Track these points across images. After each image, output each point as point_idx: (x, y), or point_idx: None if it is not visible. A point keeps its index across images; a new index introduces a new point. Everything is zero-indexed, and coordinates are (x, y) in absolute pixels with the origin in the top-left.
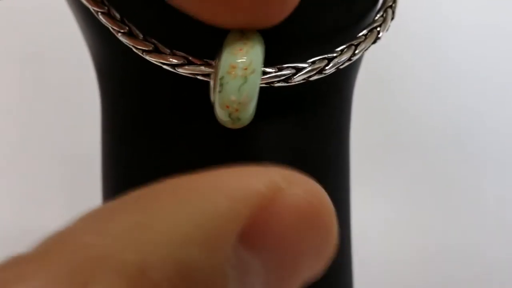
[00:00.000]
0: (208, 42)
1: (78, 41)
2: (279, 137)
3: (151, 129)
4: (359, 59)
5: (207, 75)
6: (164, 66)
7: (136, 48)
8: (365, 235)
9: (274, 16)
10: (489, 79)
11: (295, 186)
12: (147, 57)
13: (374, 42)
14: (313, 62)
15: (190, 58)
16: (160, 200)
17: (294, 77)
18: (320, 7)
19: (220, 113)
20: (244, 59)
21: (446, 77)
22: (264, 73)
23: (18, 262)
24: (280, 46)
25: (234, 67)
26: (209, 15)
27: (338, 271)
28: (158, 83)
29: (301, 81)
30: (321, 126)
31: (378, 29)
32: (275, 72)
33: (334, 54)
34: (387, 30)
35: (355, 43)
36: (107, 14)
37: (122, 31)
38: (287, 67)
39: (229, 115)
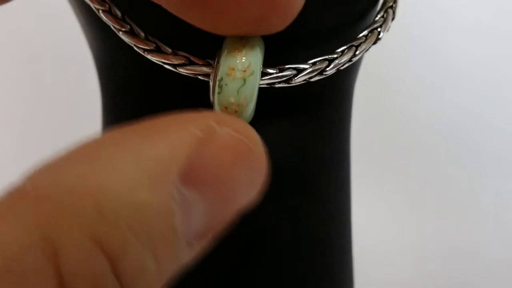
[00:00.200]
0: (209, 43)
1: (77, 39)
2: (280, 137)
3: None
4: (360, 59)
5: (208, 75)
6: (166, 66)
7: (138, 47)
8: (365, 234)
9: (275, 26)
10: (489, 79)
11: (226, 127)
12: (149, 57)
13: (375, 42)
14: (314, 63)
15: (191, 58)
16: (108, 149)
17: (295, 78)
18: (320, 8)
19: None
20: (243, 61)
21: (445, 77)
22: (265, 74)
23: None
24: (281, 47)
25: (233, 69)
26: (211, 26)
27: (340, 268)
28: (159, 81)
29: (302, 82)
30: (321, 125)
31: (379, 29)
32: (276, 73)
33: (335, 55)
34: (387, 30)
35: (356, 44)
36: (108, 12)
37: (123, 29)
38: (288, 68)
39: None
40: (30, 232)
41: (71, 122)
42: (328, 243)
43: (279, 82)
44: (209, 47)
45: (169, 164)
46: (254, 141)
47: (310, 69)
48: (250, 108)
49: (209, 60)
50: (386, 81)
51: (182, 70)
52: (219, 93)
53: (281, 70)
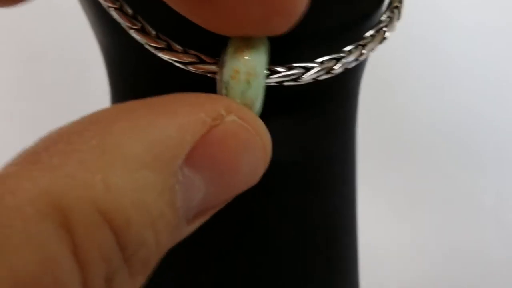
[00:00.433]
0: (219, 41)
1: (78, 39)
2: (286, 134)
3: None
4: (366, 58)
5: (216, 73)
6: (176, 64)
7: (149, 45)
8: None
9: (279, 27)
10: (491, 79)
11: (233, 114)
12: (159, 55)
13: (381, 42)
14: (322, 62)
15: (202, 56)
16: (117, 125)
17: (303, 76)
18: (327, 7)
19: None
20: (247, 64)
21: (447, 77)
22: (274, 72)
23: (2, 178)
24: (288, 46)
25: (237, 72)
26: (215, 26)
27: (345, 265)
28: (168, 78)
29: (310, 81)
30: (327, 122)
31: (385, 29)
32: (285, 71)
33: (342, 54)
34: (393, 30)
35: (363, 43)
36: (120, 10)
37: (134, 27)
38: (297, 67)
39: None
40: (44, 197)
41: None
42: (333, 239)
43: (288, 81)
44: (219, 45)
45: (176, 147)
46: (259, 130)
47: (318, 68)
48: (256, 108)
49: (219, 59)
50: (388, 81)
51: (192, 69)
52: (225, 94)
53: (289, 69)
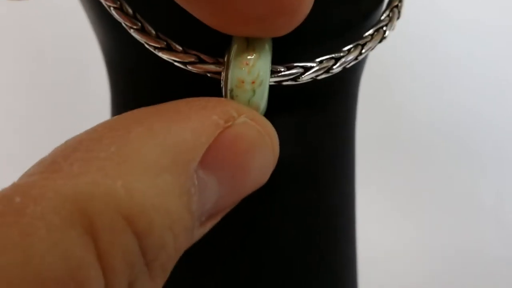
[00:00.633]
0: (219, 41)
1: (79, 39)
2: (287, 132)
3: None
4: (366, 57)
5: (217, 73)
6: (176, 64)
7: (148, 45)
8: (364, 231)
9: (282, 28)
10: (490, 78)
11: (244, 116)
12: (159, 54)
13: (381, 41)
14: (321, 62)
15: (201, 56)
16: (133, 131)
17: (302, 76)
18: (327, 6)
19: None
20: (252, 72)
21: (446, 76)
22: (273, 72)
23: (23, 189)
24: (287, 45)
25: (242, 81)
26: (217, 22)
27: (344, 262)
28: (169, 78)
29: (309, 80)
30: (327, 120)
31: (384, 28)
32: (284, 71)
33: (341, 54)
34: (393, 29)
35: (362, 43)
36: (120, 10)
37: (134, 27)
38: (296, 66)
39: None
40: (68, 205)
41: (72, 122)
42: (333, 236)
43: (287, 80)
44: (219, 45)
45: (192, 150)
46: (269, 131)
47: (317, 67)
48: (261, 110)
49: (219, 59)
50: (387, 80)
51: (192, 68)
52: None
53: (288, 68)
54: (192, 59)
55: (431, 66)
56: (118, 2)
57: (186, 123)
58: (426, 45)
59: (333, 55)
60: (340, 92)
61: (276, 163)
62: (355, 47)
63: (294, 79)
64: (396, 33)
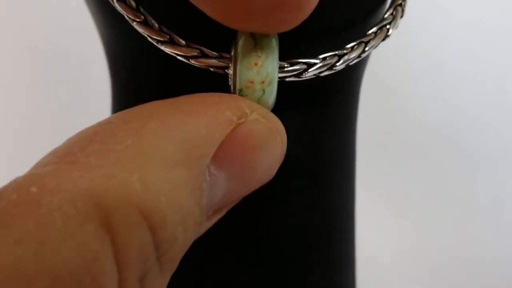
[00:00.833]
0: (222, 35)
1: (81, 34)
2: (288, 131)
3: None
4: (368, 55)
5: (220, 68)
6: (178, 57)
7: (151, 38)
8: (364, 231)
9: (287, 23)
10: (491, 79)
11: (256, 113)
12: (162, 48)
13: (384, 39)
14: (324, 58)
15: (204, 50)
16: (149, 125)
17: (306, 72)
18: (331, 3)
19: None
20: (260, 72)
21: (446, 76)
22: None
23: (39, 179)
24: (291, 42)
25: (251, 82)
26: (222, 15)
27: (344, 259)
28: (171, 72)
29: (312, 77)
30: (329, 119)
31: (388, 26)
32: (287, 67)
33: (345, 51)
34: (396, 27)
35: (365, 40)
36: (123, 2)
37: (137, 20)
38: (299, 63)
39: None
40: (85, 197)
41: (71, 119)
42: (333, 234)
43: (290, 76)
44: (222, 40)
45: (206, 146)
46: (279, 128)
47: (320, 64)
48: (269, 107)
49: (222, 53)
50: (387, 80)
51: (194, 62)
52: None
53: (292, 64)
54: (195, 53)
55: (431, 67)
56: None
57: (201, 118)
58: (427, 46)
59: (336, 52)
60: (342, 92)
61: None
62: (359, 44)
63: (297, 75)
64: (397, 34)
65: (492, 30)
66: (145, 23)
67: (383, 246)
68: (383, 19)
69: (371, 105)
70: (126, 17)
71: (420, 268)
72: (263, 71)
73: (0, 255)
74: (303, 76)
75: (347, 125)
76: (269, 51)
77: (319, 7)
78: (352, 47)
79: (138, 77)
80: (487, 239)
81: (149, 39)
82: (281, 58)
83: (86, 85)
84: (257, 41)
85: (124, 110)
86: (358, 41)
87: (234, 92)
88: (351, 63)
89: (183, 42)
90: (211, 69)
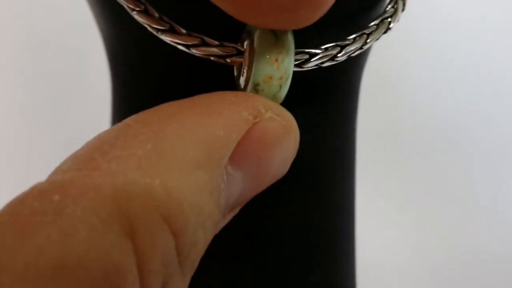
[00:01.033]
0: (224, 26)
1: (85, 29)
2: None
3: None
4: (368, 50)
5: (220, 57)
6: (179, 46)
7: (151, 27)
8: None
9: (304, 19)
10: (491, 76)
11: (270, 111)
12: (162, 37)
13: (385, 32)
14: (326, 49)
15: (205, 39)
16: (168, 128)
17: (307, 62)
18: None
19: None
20: (280, 68)
21: (447, 74)
22: None
23: (61, 187)
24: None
25: (270, 78)
26: (239, 11)
27: (344, 257)
28: (171, 67)
29: (313, 67)
30: (329, 117)
31: (389, 19)
32: None
33: (347, 42)
34: (398, 21)
35: (367, 32)
36: None
37: (137, 9)
38: (301, 52)
39: None
40: (108, 206)
41: (74, 113)
42: (333, 232)
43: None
44: (223, 29)
45: (224, 147)
46: (293, 125)
47: (322, 55)
48: (281, 101)
49: (223, 42)
50: (387, 78)
51: (195, 51)
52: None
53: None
54: (196, 42)
55: (432, 64)
56: None
57: (218, 119)
58: (427, 43)
59: (338, 43)
60: (342, 89)
61: None
62: (360, 36)
63: (299, 65)
64: (397, 31)
65: (493, 27)
66: (145, 12)
67: (383, 245)
68: (385, 12)
69: (371, 103)
70: (125, 6)
71: (420, 267)
72: (283, 67)
73: (23, 264)
74: (304, 66)
75: (348, 123)
76: (289, 46)
77: None
78: (354, 39)
79: (138, 74)
80: (487, 238)
81: (149, 28)
82: None
83: (87, 81)
84: (278, 37)
85: (142, 112)
86: (359, 33)
87: (246, 85)
88: (352, 55)
89: (184, 31)
90: (212, 58)
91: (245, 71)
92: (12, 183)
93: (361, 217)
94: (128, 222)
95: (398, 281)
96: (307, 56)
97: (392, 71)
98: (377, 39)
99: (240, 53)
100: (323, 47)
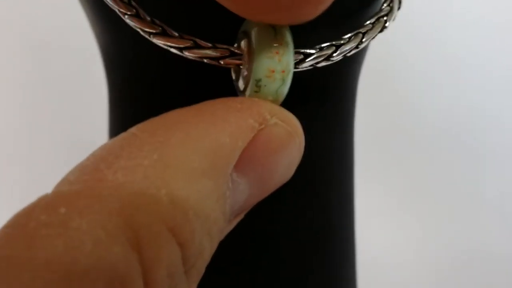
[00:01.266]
0: (215, 26)
1: (84, 30)
2: None
3: None
4: (364, 50)
5: (214, 58)
6: (171, 49)
7: (143, 31)
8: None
9: (307, 15)
10: (493, 73)
11: (276, 118)
12: (154, 40)
13: (381, 31)
14: (321, 49)
15: (197, 41)
16: (173, 137)
17: (302, 62)
18: None
19: None
20: (282, 61)
21: (447, 69)
22: None
23: (67, 199)
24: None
25: (272, 71)
26: (241, 7)
27: (343, 259)
28: (166, 71)
29: (309, 67)
30: (326, 118)
31: (385, 18)
32: None
33: (342, 41)
34: (393, 19)
35: (363, 31)
36: None
37: (129, 13)
38: (296, 52)
39: None
40: (114, 218)
41: (77, 114)
42: (331, 233)
43: None
44: (216, 32)
45: (230, 154)
46: (298, 130)
47: (317, 54)
48: (281, 100)
49: (215, 44)
50: (389, 76)
51: (188, 54)
52: (256, 91)
53: None
54: (188, 44)
55: (432, 62)
56: None
57: (224, 127)
58: (428, 41)
59: (333, 42)
60: (339, 88)
61: None
62: (356, 35)
63: (294, 66)
64: (397, 29)
65: (496, 23)
66: (136, 16)
67: (386, 245)
68: (381, 10)
69: (373, 101)
70: (117, 11)
71: (424, 267)
72: (284, 59)
73: (30, 277)
74: (299, 67)
75: (345, 123)
76: (288, 40)
77: None
78: (349, 38)
79: (133, 80)
80: (491, 237)
81: (141, 32)
82: None
83: (87, 81)
84: (277, 31)
85: (147, 121)
86: (355, 32)
87: (247, 86)
88: (348, 54)
89: (176, 34)
90: (205, 61)
91: (245, 70)
92: (12, 183)
93: (364, 216)
94: (134, 234)
95: (401, 281)
96: (301, 56)
97: (394, 69)
98: (373, 38)
99: (234, 55)
100: (318, 46)
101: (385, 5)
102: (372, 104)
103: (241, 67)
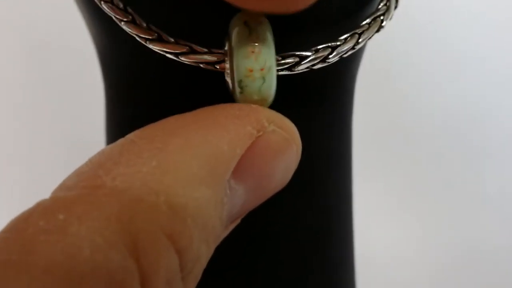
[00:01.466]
0: (211, 32)
1: (84, 31)
2: None
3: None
4: (362, 49)
5: (210, 63)
6: (168, 55)
7: (139, 37)
8: (365, 230)
9: (301, 2)
10: (492, 69)
11: (274, 124)
12: (150, 46)
13: (378, 30)
14: (317, 51)
15: (193, 46)
16: (172, 143)
17: (298, 65)
18: None
19: None
20: (259, 59)
21: (446, 70)
22: None
23: (66, 205)
24: (283, 34)
25: (251, 71)
26: None
27: (342, 260)
28: (163, 74)
29: (305, 70)
30: (324, 118)
31: (382, 17)
32: (279, 60)
33: (338, 43)
34: (390, 19)
35: (359, 32)
36: (110, 3)
37: (125, 19)
38: (291, 55)
39: None
40: (112, 225)
41: (75, 115)
42: (330, 233)
43: (282, 70)
44: (210, 36)
45: (228, 162)
46: (295, 136)
47: (313, 57)
48: (271, 98)
49: (212, 49)
50: (388, 75)
51: (184, 59)
52: (241, 92)
53: (284, 58)
54: (184, 50)
55: (431, 61)
56: None
57: (222, 134)
58: (426, 40)
59: (329, 44)
60: (336, 90)
61: None
62: (352, 36)
63: (289, 69)
64: (396, 28)
65: (495, 22)
66: (133, 22)
67: (383, 244)
68: (377, 10)
69: (372, 100)
70: (113, 17)
71: (421, 266)
72: (261, 58)
73: (27, 282)
74: (295, 70)
75: (342, 124)
76: (264, 37)
77: None
78: (346, 39)
79: (130, 82)
80: (492, 235)
81: (137, 38)
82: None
83: (87, 81)
84: (252, 29)
85: (146, 127)
86: (351, 33)
87: (233, 86)
88: (344, 55)
89: (172, 40)
90: (201, 66)
91: (228, 73)
92: (12, 183)
93: (363, 215)
94: (132, 241)
95: (401, 281)
96: (297, 59)
97: (393, 68)
98: (370, 38)
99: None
100: (313, 48)
101: (381, 4)
102: (371, 103)
103: (227, 71)
